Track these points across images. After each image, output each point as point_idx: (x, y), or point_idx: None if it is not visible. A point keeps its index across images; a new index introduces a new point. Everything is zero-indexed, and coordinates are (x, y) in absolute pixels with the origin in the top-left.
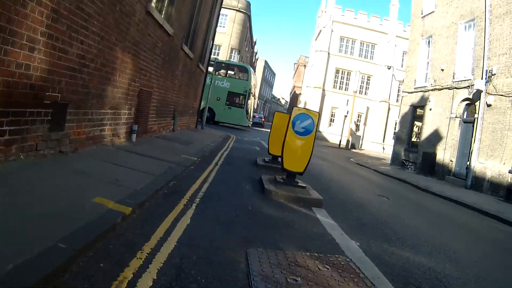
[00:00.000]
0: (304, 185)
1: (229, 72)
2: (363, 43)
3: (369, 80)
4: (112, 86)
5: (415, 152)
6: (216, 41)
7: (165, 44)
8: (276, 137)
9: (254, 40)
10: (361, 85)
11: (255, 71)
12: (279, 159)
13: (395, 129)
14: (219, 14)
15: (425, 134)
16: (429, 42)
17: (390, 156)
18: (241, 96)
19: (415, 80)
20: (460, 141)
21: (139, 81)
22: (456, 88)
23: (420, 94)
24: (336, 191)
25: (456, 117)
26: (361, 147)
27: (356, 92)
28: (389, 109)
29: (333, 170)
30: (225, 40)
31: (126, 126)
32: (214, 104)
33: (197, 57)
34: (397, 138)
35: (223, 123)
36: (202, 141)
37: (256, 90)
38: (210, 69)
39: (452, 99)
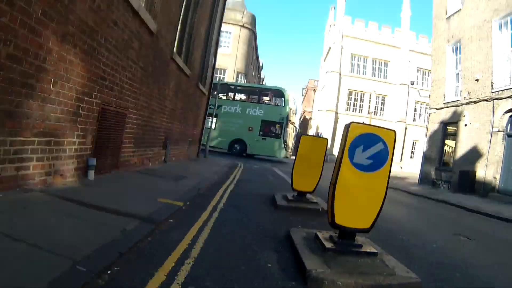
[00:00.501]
0: (374, 250)
1: (262, 97)
2: (375, 61)
3: (383, 100)
4: (41, 100)
5: (448, 171)
6: (220, 64)
7: (145, 46)
8: (303, 168)
9: (261, 64)
10: (375, 106)
11: None
12: (309, 196)
13: (412, 149)
14: (221, 19)
15: (460, 151)
16: (457, 48)
17: (411, 175)
18: (277, 125)
19: (444, 95)
20: (505, 157)
21: (99, 96)
22: (496, 99)
23: (452, 109)
24: (397, 234)
25: (498, 131)
26: None
27: (371, 113)
28: (406, 129)
29: None
30: (230, 63)
31: (76, 161)
32: (246, 135)
33: (196, 76)
34: (426, 157)
35: (257, 155)
36: (200, 174)
37: (295, 117)
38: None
39: (493, 111)
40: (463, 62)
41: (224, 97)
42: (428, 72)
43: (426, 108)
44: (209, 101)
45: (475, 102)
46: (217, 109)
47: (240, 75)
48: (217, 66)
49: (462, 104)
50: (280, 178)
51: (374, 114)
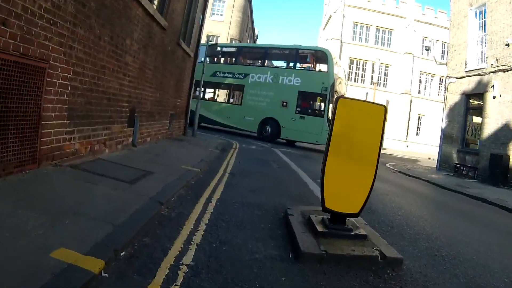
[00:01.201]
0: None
1: (299, 61)
2: (379, 29)
3: (387, 70)
4: None
5: (473, 153)
6: (213, 31)
7: None
8: (343, 163)
9: (256, 33)
10: (378, 76)
11: None
12: (351, 221)
13: (418, 124)
14: None
15: (488, 130)
16: (480, 12)
17: (420, 156)
18: (318, 98)
19: (465, 62)
20: None
21: None
22: None
23: (475, 78)
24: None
25: None
26: (383, 147)
27: (376, 84)
28: (411, 101)
29: (382, 189)
30: (223, 29)
31: None
32: (278, 112)
33: (177, 31)
34: (445, 136)
35: (293, 141)
36: (177, 165)
37: (342, 86)
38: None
39: None
40: (490, 26)
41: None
42: (435, 42)
43: (431, 79)
44: (195, 65)
45: (505, 71)
46: (243, 78)
47: (233, 41)
48: (209, 33)
49: (488, 73)
50: (287, 167)
51: (377, 85)
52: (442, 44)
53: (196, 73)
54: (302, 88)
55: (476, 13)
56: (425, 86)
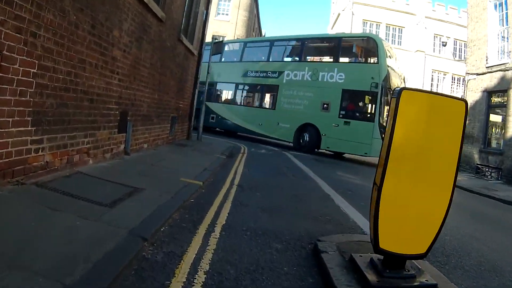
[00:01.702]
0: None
1: (342, 53)
2: (389, 27)
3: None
4: None
5: (497, 153)
6: (219, 31)
7: None
8: (404, 184)
9: (263, 34)
10: None
11: None
12: (411, 265)
13: None
14: None
15: None
16: (500, 4)
17: None
18: (366, 97)
19: (486, 57)
20: None
21: None
22: None
23: (498, 74)
24: None
25: None
26: None
27: None
28: None
29: None
30: (229, 30)
31: None
32: (318, 117)
33: (177, 25)
34: (466, 135)
35: (339, 153)
36: (174, 179)
37: (397, 82)
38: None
39: None
40: (511, 18)
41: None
42: (445, 39)
43: (444, 78)
44: (199, 64)
45: None
46: (277, 77)
47: None
48: (215, 33)
49: None
50: (302, 174)
51: None
52: (454, 41)
53: (202, 74)
54: (347, 86)
55: (495, 5)
56: (437, 84)
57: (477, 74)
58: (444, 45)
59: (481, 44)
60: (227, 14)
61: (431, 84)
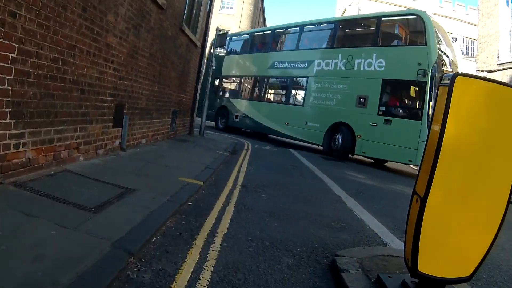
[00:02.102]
0: None
1: (382, 35)
2: None
3: None
4: None
5: None
6: (223, 24)
7: None
8: (452, 199)
9: None
10: None
11: None
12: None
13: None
14: None
15: None
16: None
17: None
18: (412, 88)
19: (498, 54)
20: None
21: None
22: None
23: (510, 72)
24: None
25: None
26: None
27: None
28: None
29: None
30: (234, 23)
31: None
32: (352, 114)
33: (178, 14)
34: None
35: (375, 159)
36: (171, 178)
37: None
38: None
39: None
40: None
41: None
42: (452, 36)
43: None
44: (203, 57)
45: None
46: (306, 68)
47: None
48: (219, 26)
49: None
50: (308, 173)
51: None
52: (462, 38)
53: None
54: (388, 75)
55: (507, 1)
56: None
57: (488, 72)
58: (455, 41)
59: (492, 41)
60: (231, 8)
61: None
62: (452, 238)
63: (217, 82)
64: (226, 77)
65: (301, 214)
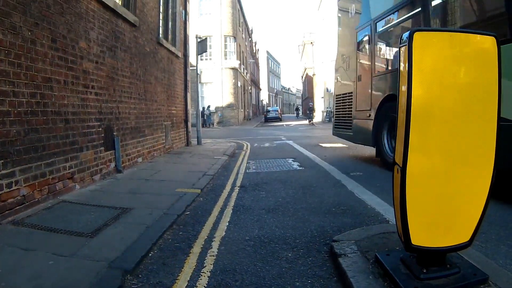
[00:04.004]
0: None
1: None
2: None
3: None
4: None
5: None
6: (205, 32)
7: None
8: (438, 161)
9: (250, 28)
10: None
11: (257, 63)
12: (454, 259)
13: None
14: None
15: None
16: None
17: None
18: None
19: None
20: None
21: None
22: None
23: None
24: None
25: None
26: None
27: None
28: None
29: None
30: (215, 28)
31: None
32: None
33: (154, 29)
34: None
35: None
36: (168, 191)
37: None
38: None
39: None
40: None
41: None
42: None
43: None
44: (187, 66)
45: None
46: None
47: (228, 39)
48: (201, 33)
49: None
50: (308, 161)
51: None
52: None
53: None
54: None
55: None
56: None
57: None
58: None
59: None
60: (210, 13)
61: None
62: (441, 205)
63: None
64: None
65: (300, 205)
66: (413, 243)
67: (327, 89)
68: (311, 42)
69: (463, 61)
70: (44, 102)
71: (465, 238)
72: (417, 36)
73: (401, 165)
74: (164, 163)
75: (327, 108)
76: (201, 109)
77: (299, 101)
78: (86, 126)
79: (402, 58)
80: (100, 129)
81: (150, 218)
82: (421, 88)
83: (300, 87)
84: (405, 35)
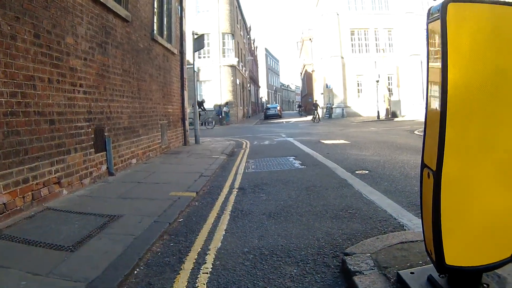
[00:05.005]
0: None
1: None
2: None
3: (390, 34)
4: None
5: None
6: (203, 29)
7: None
8: (486, 171)
9: (248, 26)
10: (384, 43)
11: (256, 61)
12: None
13: None
14: None
15: None
16: None
17: None
18: None
19: None
20: None
21: None
22: None
23: None
24: None
25: None
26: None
27: (383, 50)
28: (421, 62)
29: None
30: (213, 26)
31: None
32: None
33: (148, 24)
34: None
35: None
36: (161, 195)
37: None
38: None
39: None
40: None
41: None
42: None
43: None
44: (183, 64)
45: None
46: None
47: (226, 36)
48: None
49: None
50: (310, 160)
51: (383, 52)
52: None
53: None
54: None
55: None
56: None
57: None
58: None
59: None
60: (207, 11)
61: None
62: (483, 217)
63: None
64: None
65: (304, 209)
66: (447, 262)
67: (327, 85)
68: (310, 39)
69: (507, 40)
70: (26, 101)
71: (507, 253)
72: (451, 8)
73: (434, 169)
74: (160, 164)
75: (327, 104)
76: (199, 106)
77: (298, 98)
78: (74, 127)
79: (431, 36)
80: (90, 129)
81: (139, 227)
82: (459, 72)
83: (299, 84)
84: (435, 7)
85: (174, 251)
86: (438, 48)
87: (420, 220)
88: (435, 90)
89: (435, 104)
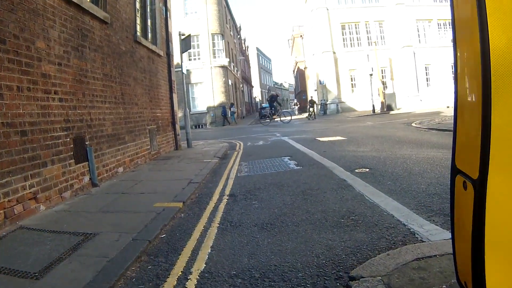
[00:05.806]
0: None
1: None
2: None
3: (381, 27)
4: None
5: None
6: (192, 31)
7: None
8: None
9: (238, 25)
10: (376, 36)
11: (248, 60)
12: None
13: (426, 75)
14: None
15: None
16: None
17: (441, 107)
18: None
19: None
20: None
21: None
22: None
23: None
24: None
25: None
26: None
27: (375, 43)
28: (414, 53)
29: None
30: (202, 27)
31: None
32: None
33: (129, 25)
34: None
35: None
36: (144, 206)
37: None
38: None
39: None
40: None
41: None
42: None
43: (429, 26)
44: (171, 66)
45: None
46: None
47: (216, 37)
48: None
49: None
50: (306, 159)
51: (375, 45)
52: None
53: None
54: None
55: None
56: (424, 34)
57: None
58: None
59: None
60: (196, 12)
61: (418, 35)
62: None
63: None
64: None
65: (300, 217)
66: None
67: (320, 81)
68: (301, 35)
69: None
70: None
71: None
72: None
73: (474, 177)
74: (148, 171)
75: (321, 100)
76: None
77: (292, 96)
78: (49, 137)
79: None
80: (68, 139)
81: (115, 247)
82: (504, 35)
83: (292, 81)
84: None
85: (150, 277)
86: (470, 8)
87: (433, 224)
88: (470, 64)
89: (472, 84)
